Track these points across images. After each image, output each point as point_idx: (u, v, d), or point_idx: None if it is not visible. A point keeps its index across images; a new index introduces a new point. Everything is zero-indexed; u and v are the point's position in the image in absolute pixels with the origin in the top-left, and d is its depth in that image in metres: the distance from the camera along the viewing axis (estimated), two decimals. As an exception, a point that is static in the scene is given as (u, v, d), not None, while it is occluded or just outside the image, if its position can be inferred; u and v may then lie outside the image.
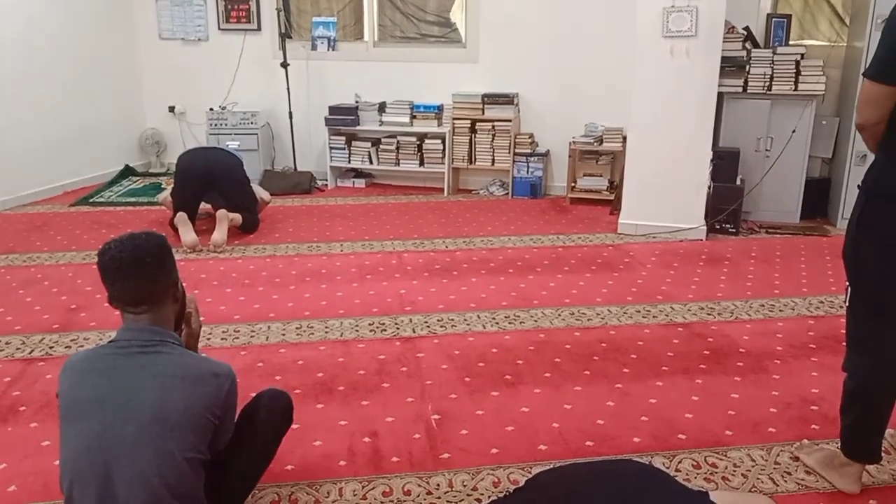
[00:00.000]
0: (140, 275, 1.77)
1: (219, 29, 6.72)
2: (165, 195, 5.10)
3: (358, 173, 6.60)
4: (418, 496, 2.21)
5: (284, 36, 6.34)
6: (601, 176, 6.00)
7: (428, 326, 3.47)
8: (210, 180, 4.85)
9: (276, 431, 2.07)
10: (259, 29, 6.64)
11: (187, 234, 4.62)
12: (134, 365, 1.74)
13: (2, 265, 4.33)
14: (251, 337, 3.36)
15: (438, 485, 2.26)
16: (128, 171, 6.73)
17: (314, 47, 6.53)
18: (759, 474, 2.30)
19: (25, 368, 3.02)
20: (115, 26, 6.65)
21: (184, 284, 1.97)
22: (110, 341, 1.81)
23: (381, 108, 6.37)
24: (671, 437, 2.52)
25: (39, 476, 2.26)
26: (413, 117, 6.29)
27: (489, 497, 2.19)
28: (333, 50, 6.53)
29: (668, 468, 2.33)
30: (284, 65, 6.30)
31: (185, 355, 1.84)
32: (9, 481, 2.26)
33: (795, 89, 5.14)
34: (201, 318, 2.15)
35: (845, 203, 5.10)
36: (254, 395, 2.12)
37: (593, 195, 5.93)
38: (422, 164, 6.33)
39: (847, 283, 2.12)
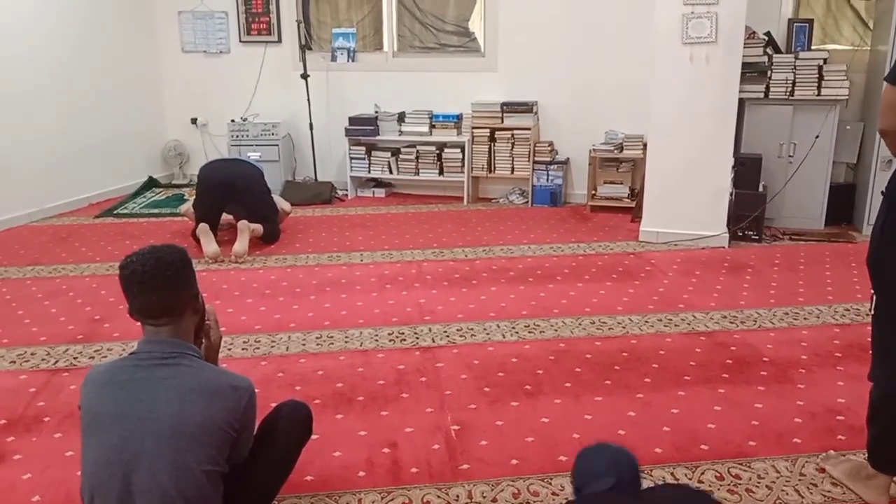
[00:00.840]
0: (161, 288, 1.78)
1: (240, 41, 6.80)
2: (187, 207, 5.15)
3: (378, 183, 6.63)
4: (438, 507, 2.20)
5: (305, 47, 6.40)
6: (622, 183, 5.97)
7: (447, 336, 3.47)
8: (231, 191, 4.90)
9: (295, 443, 2.08)
10: (280, 41, 6.71)
11: (209, 244, 4.67)
12: (154, 377, 1.75)
13: (28, 276, 4.40)
14: (272, 347, 3.37)
15: (458, 496, 2.25)
16: (151, 183, 6.82)
17: (334, 58, 6.58)
18: (783, 486, 2.27)
19: (50, 379, 3.07)
20: (138, 40, 6.76)
21: (204, 296, 1.98)
22: (131, 353, 1.83)
23: (401, 117, 6.40)
24: (693, 448, 2.49)
25: (62, 486, 2.29)
26: (432, 126, 6.31)
27: (509, 508, 2.18)
28: (353, 61, 6.58)
29: (690, 479, 2.30)
30: (305, 76, 6.35)
31: (205, 368, 1.85)
32: (32, 491, 2.29)
33: (818, 94, 5.09)
34: (222, 330, 2.16)
35: (871, 209, 5.02)
36: (274, 405, 2.13)
37: (614, 203, 5.90)
38: (441, 173, 6.34)
39: (872, 291, 2.08)
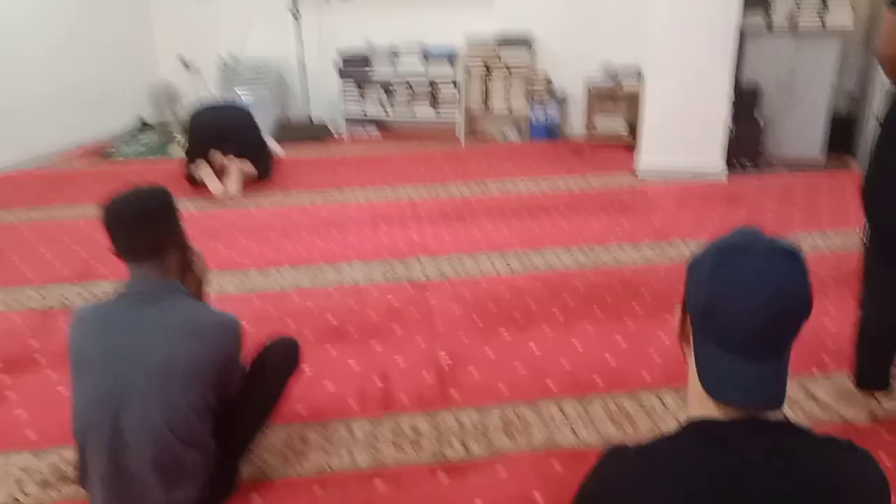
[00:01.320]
0: (144, 228, 1.79)
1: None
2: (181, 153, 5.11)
3: (372, 122, 6.53)
4: (427, 433, 2.23)
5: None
6: (619, 117, 5.87)
7: (440, 271, 3.46)
8: (221, 138, 4.82)
9: (283, 377, 2.08)
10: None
11: (213, 182, 4.64)
12: (141, 317, 1.76)
13: (22, 220, 4.38)
14: (264, 284, 3.38)
15: (447, 422, 2.28)
16: (142, 125, 6.73)
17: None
18: (769, 409, 2.29)
19: (44, 320, 3.08)
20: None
21: (190, 237, 1.97)
22: (118, 294, 1.83)
23: (394, 54, 6.26)
24: (683, 374, 2.49)
25: (57, 424, 2.30)
26: (426, 62, 6.18)
27: (498, 432, 2.21)
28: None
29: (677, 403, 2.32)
30: (295, 13, 6.20)
31: (192, 306, 1.86)
32: (28, 428, 2.33)
33: (822, 25, 4.95)
34: (212, 270, 2.14)
35: (871, 140, 4.93)
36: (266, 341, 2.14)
37: (611, 136, 5.82)
38: (436, 110, 6.24)
39: (865, 220, 2.07)
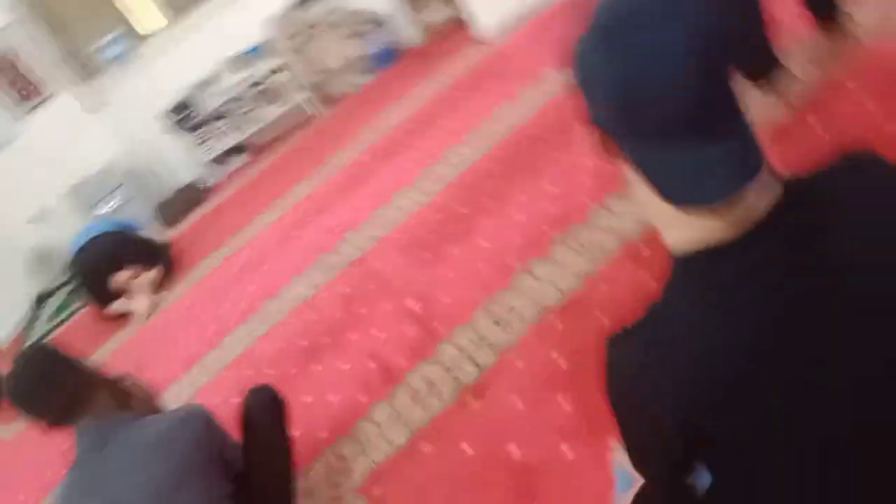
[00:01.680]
0: (49, 392, 1.70)
1: (21, 118, 6.17)
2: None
3: (232, 152, 6.27)
4: (438, 375, 2.19)
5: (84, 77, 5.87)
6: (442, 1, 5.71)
7: (367, 236, 3.37)
8: (109, 267, 4.56)
9: (275, 425, 2.00)
10: (52, 96, 6.10)
11: (129, 308, 4.45)
12: (107, 461, 1.66)
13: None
14: (225, 356, 3.25)
15: (447, 354, 2.25)
16: (41, 297, 6.43)
17: (106, 66, 6.02)
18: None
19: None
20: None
21: (135, 363, 1.86)
22: (74, 460, 1.72)
23: (208, 82, 5.99)
24: (616, 178, 2.46)
25: None
26: (242, 68, 5.94)
27: (493, 332, 2.17)
28: (127, 62, 6.05)
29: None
30: (95, 109, 5.88)
31: (146, 423, 1.76)
32: None
33: None
34: (151, 389, 2.02)
35: None
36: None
37: (447, 23, 5.64)
38: (280, 104, 6.02)
39: None
